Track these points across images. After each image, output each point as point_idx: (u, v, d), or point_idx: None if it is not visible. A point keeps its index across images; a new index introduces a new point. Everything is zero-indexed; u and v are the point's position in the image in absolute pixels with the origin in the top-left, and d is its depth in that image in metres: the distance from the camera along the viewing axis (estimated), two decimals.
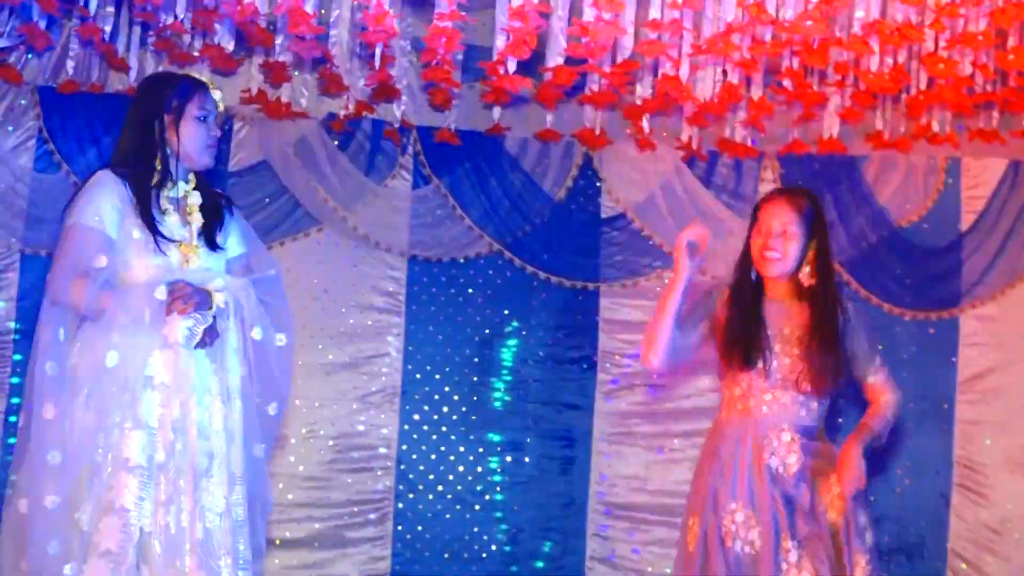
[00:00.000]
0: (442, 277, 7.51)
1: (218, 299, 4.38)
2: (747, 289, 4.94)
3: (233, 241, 4.67)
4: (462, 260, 7.51)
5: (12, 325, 6.88)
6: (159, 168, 4.50)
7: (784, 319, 4.88)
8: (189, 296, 4.31)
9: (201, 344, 4.37)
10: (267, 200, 7.27)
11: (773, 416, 4.85)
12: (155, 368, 4.32)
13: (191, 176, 4.60)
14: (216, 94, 4.63)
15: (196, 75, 4.78)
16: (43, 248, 6.78)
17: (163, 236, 4.42)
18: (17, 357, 6.84)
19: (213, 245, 4.56)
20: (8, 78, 6.86)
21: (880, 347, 5.17)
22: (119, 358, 4.25)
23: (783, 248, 4.85)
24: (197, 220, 4.54)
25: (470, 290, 7.56)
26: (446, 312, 7.51)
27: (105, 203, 4.39)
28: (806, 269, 4.91)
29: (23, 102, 7.01)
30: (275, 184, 7.26)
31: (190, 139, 4.52)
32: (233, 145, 7.23)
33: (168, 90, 4.55)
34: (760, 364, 4.84)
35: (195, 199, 4.56)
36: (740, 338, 4.87)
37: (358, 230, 7.34)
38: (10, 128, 7.00)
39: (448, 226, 7.45)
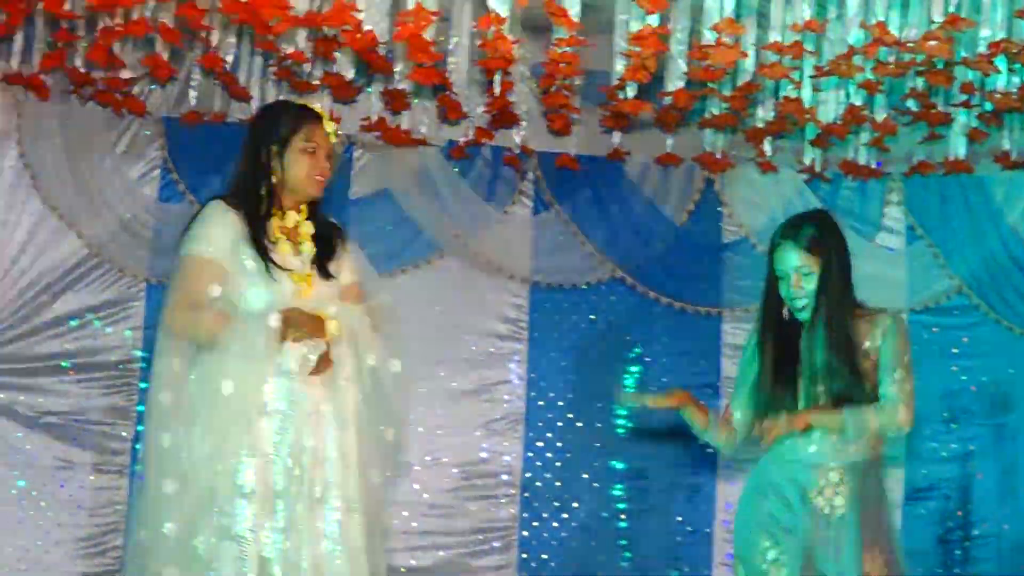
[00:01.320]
0: (564, 303, 7.48)
1: (331, 327, 4.40)
2: (781, 329, 4.74)
3: (346, 270, 4.67)
4: (584, 286, 7.47)
5: (138, 353, 6.96)
6: (267, 197, 4.53)
7: (811, 351, 4.64)
8: (302, 324, 4.35)
9: (316, 371, 4.39)
10: (388, 228, 7.27)
11: (819, 454, 4.63)
12: (270, 395, 4.36)
13: (303, 206, 4.61)
14: (329, 126, 4.63)
15: (313, 105, 4.81)
16: (168, 277, 6.61)
17: (275, 265, 4.45)
18: (143, 385, 6.77)
19: (325, 274, 4.56)
20: (132, 109, 6.96)
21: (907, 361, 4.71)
22: (234, 386, 4.28)
23: (805, 291, 4.63)
24: (308, 249, 4.56)
25: (592, 316, 7.51)
26: (568, 338, 7.47)
27: (216, 233, 4.44)
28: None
29: (147, 133, 7.11)
30: (396, 212, 7.28)
31: (294, 170, 4.53)
32: (353, 174, 7.27)
33: (277, 120, 4.59)
34: (799, 402, 4.63)
35: (306, 228, 4.59)
36: (775, 381, 4.69)
37: (480, 257, 7.35)
38: (135, 159, 7.09)
39: (569, 252, 7.43)
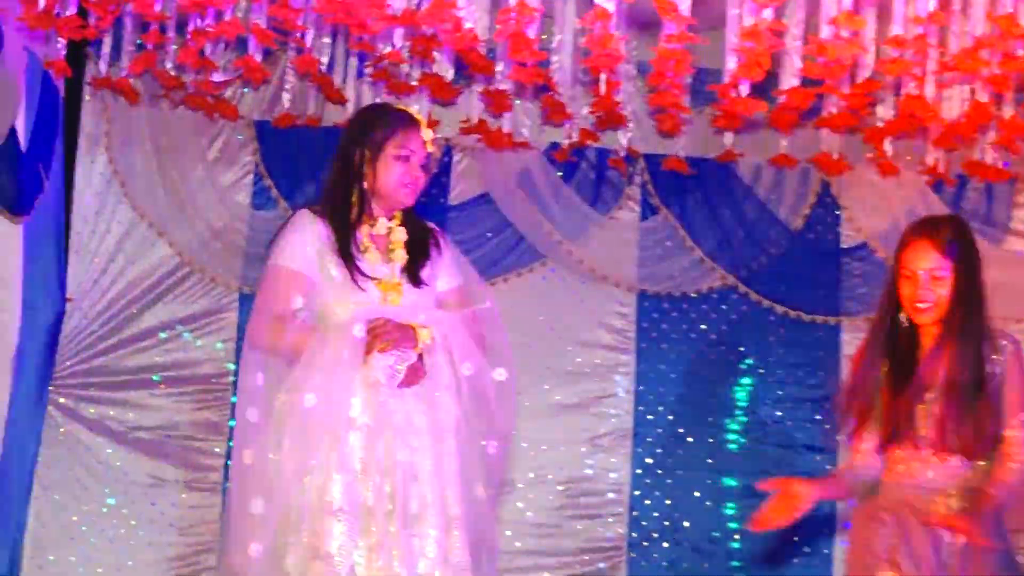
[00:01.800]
0: (673, 312, 7.45)
1: (423, 335, 4.37)
2: (898, 337, 4.53)
3: (444, 275, 4.63)
4: (694, 294, 7.45)
5: (230, 367, 7.01)
6: (357, 204, 4.51)
7: (935, 367, 4.42)
8: (389, 333, 4.31)
9: (406, 382, 4.36)
10: (489, 234, 7.31)
11: (938, 479, 4.42)
12: (357, 409, 4.32)
13: (396, 212, 4.59)
14: (426, 133, 4.57)
15: (411, 109, 4.76)
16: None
17: (362, 274, 4.42)
18: (235, 400, 6.29)
19: (418, 281, 4.52)
20: (224, 113, 7.00)
21: None
22: (320, 399, 4.24)
23: (935, 295, 4.42)
24: (400, 257, 4.52)
25: (703, 326, 7.48)
26: (678, 349, 7.43)
27: (302, 243, 4.43)
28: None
29: (240, 137, 7.18)
30: (497, 217, 7.30)
31: (384, 177, 4.50)
32: (453, 177, 7.32)
33: (370, 125, 4.55)
34: (914, 423, 4.42)
35: (398, 236, 4.56)
36: (893, 396, 4.47)
37: (584, 264, 7.31)
38: (227, 164, 7.16)
39: (678, 258, 7.40)
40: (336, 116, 6.99)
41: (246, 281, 6.97)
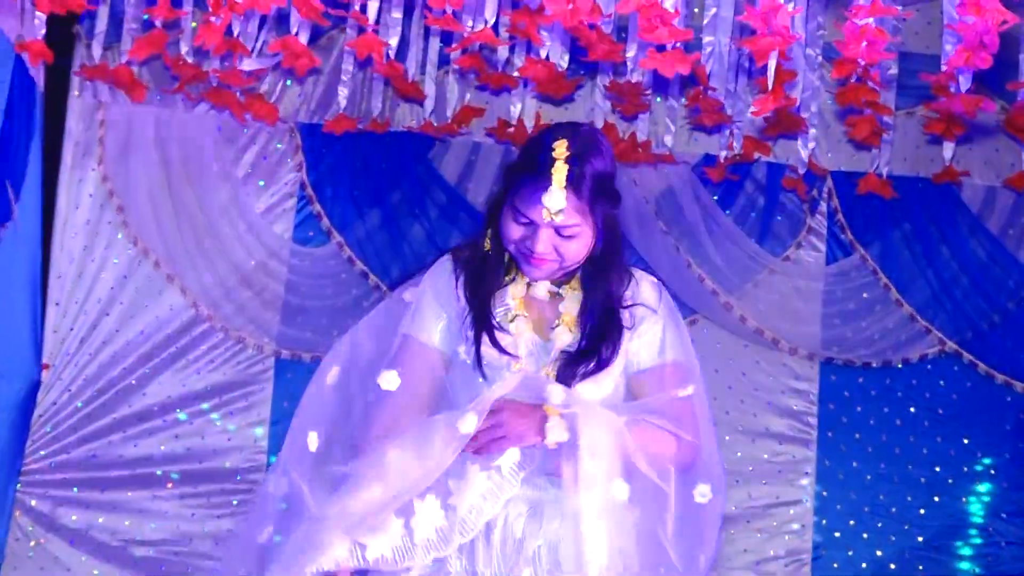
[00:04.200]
0: (870, 389, 7.27)
1: (552, 429, 3.94)
2: None
3: (646, 345, 4.19)
4: (899, 364, 7.25)
5: (267, 459, 6.95)
6: (503, 253, 4.19)
7: None
8: (512, 424, 3.97)
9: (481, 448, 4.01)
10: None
11: None
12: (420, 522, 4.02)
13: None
14: (554, 198, 3.98)
15: (557, 157, 4.15)
16: (306, 350, 6.86)
17: (496, 352, 4.10)
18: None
19: (588, 367, 4.11)
20: (259, 115, 6.87)
21: None
22: (382, 493, 3.97)
23: None
24: (566, 336, 4.14)
25: (912, 408, 7.27)
26: (875, 440, 7.24)
27: (431, 303, 4.20)
28: None
29: (279, 146, 7.13)
30: (624, 253, 6.86)
31: (504, 237, 4.13)
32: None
33: (517, 162, 4.13)
34: None
35: (570, 304, 4.18)
36: None
37: (748, 323, 7.16)
38: (261, 183, 7.09)
39: (879, 315, 7.25)
40: (408, 118, 7.07)
41: (285, 341, 6.94)
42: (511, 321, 4.16)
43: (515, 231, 4.09)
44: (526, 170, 4.07)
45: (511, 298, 4.21)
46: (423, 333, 4.18)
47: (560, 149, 4.04)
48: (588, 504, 3.98)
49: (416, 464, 3.99)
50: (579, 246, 4.04)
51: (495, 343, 4.12)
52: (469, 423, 3.94)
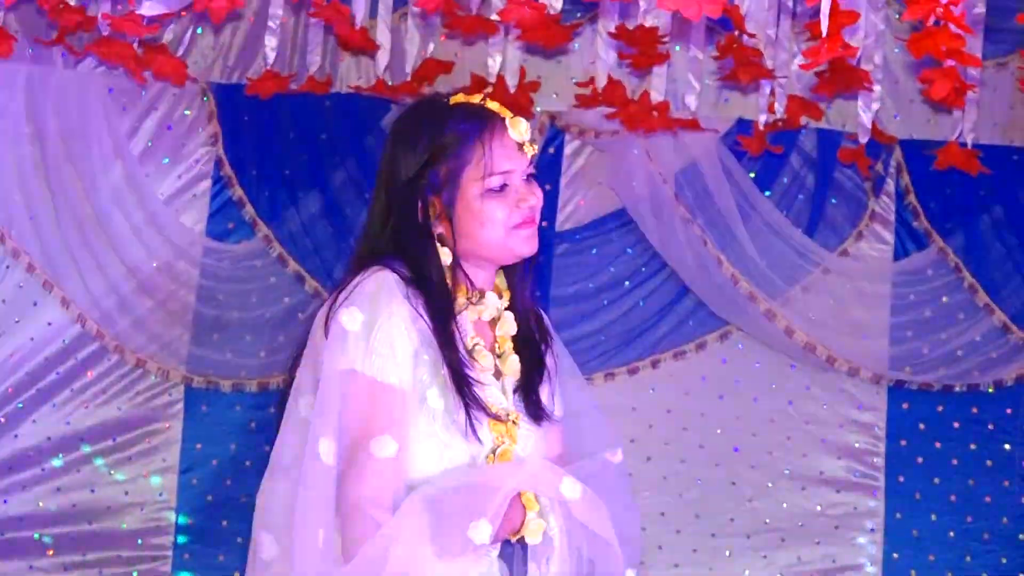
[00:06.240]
0: (952, 420, 7.10)
1: (531, 523, 3.87)
2: None
3: (558, 393, 4.20)
4: (989, 389, 7.08)
5: (173, 518, 6.85)
6: (449, 269, 3.99)
7: None
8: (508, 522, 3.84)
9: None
10: (627, 284, 7.20)
11: None
12: None
13: (496, 280, 4.09)
14: (519, 126, 3.96)
15: (486, 96, 4.12)
16: (224, 376, 6.76)
17: (481, 408, 3.91)
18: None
19: (539, 413, 4.03)
20: (162, 72, 6.72)
21: None
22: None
23: None
24: (511, 368, 4.02)
25: (1007, 445, 7.11)
26: (960, 486, 7.09)
27: (402, 339, 3.88)
28: None
29: (188, 113, 7.01)
30: (638, 255, 7.15)
31: (478, 231, 3.93)
32: (562, 182, 7.18)
33: (427, 151, 3.94)
34: None
35: (506, 327, 4.05)
36: None
37: (795, 336, 7.00)
38: (165, 161, 6.94)
39: (963, 325, 7.10)
40: (355, 76, 7.01)
41: (197, 365, 6.84)
42: (477, 357, 3.99)
43: (499, 208, 3.93)
44: (473, 132, 3.95)
45: (466, 323, 4.04)
46: (390, 374, 3.88)
47: (477, 98, 4.06)
48: None
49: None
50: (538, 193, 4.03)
51: (477, 402, 3.91)
52: (483, 533, 3.76)
